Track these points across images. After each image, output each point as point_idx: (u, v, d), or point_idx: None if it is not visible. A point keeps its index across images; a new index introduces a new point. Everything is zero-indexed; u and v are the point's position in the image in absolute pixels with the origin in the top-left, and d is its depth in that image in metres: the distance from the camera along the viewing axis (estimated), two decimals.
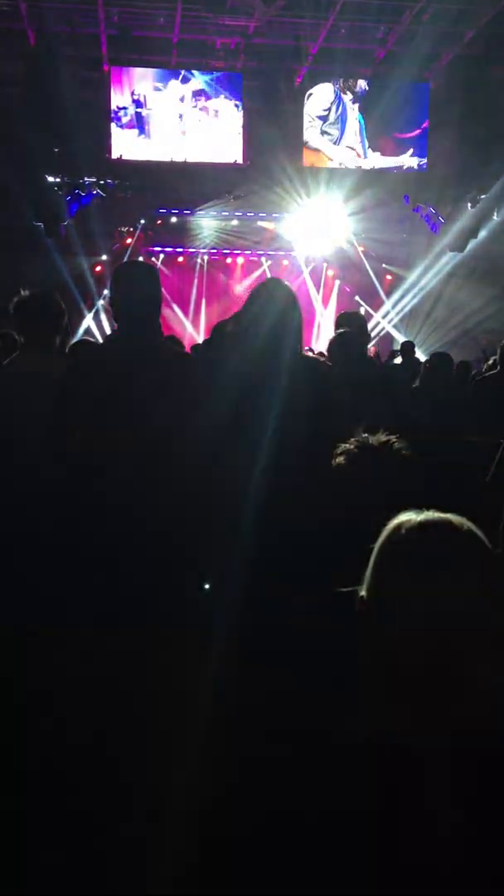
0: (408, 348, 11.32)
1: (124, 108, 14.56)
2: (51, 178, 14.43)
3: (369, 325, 17.61)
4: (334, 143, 15.30)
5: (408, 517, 1.30)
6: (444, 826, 1.15)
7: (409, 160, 15.51)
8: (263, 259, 18.61)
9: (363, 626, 1.28)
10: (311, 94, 15.03)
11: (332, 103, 15.15)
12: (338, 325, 4.73)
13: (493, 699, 1.21)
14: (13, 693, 2.43)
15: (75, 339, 8.95)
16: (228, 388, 2.89)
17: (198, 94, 14.76)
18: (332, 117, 15.20)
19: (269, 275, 18.15)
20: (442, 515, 1.30)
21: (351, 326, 4.66)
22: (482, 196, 15.16)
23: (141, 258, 16.92)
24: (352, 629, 1.32)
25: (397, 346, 10.11)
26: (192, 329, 18.11)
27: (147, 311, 3.20)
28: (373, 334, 17.53)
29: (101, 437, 2.98)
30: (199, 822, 1.50)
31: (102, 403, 3.01)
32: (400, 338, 16.30)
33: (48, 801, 2.18)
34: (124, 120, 14.59)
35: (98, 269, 15.75)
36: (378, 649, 1.26)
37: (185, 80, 14.71)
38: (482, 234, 15.16)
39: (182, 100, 14.72)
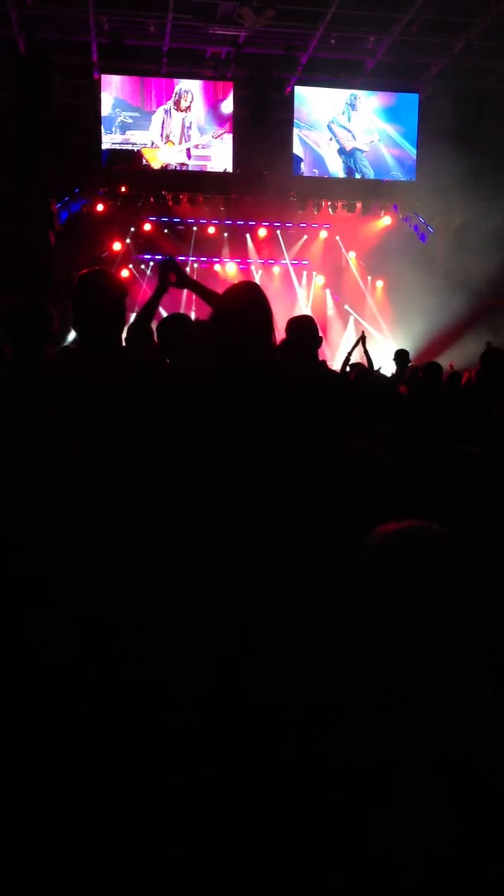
0: (402, 357, 11.34)
1: (115, 115, 14.58)
2: (41, 186, 14.41)
3: (357, 335, 17.67)
4: (324, 151, 15.40)
5: (390, 526, 1.31)
6: (422, 837, 1.16)
7: (398, 170, 15.60)
8: (253, 267, 18.64)
9: (348, 636, 1.29)
10: (305, 102, 15.13)
11: (327, 112, 15.29)
12: (289, 329, 4.72)
13: (472, 712, 1.23)
14: None
15: (63, 345, 8.96)
16: (197, 394, 2.94)
17: (188, 102, 14.79)
18: (324, 125, 15.32)
19: (258, 283, 18.17)
20: (424, 524, 1.31)
21: (302, 331, 4.65)
22: (471, 206, 15.23)
23: (131, 265, 16.93)
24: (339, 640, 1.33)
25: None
26: None
27: (108, 320, 3.22)
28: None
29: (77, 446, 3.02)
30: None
31: (76, 416, 3.05)
32: (387, 346, 16.34)
33: None
34: (114, 128, 14.62)
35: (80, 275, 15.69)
36: (362, 659, 1.27)
37: (176, 89, 14.74)
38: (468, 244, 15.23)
39: (172, 108, 14.75)
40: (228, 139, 14.92)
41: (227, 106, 14.82)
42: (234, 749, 1.78)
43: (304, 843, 1.22)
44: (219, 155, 15.03)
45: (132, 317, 4.24)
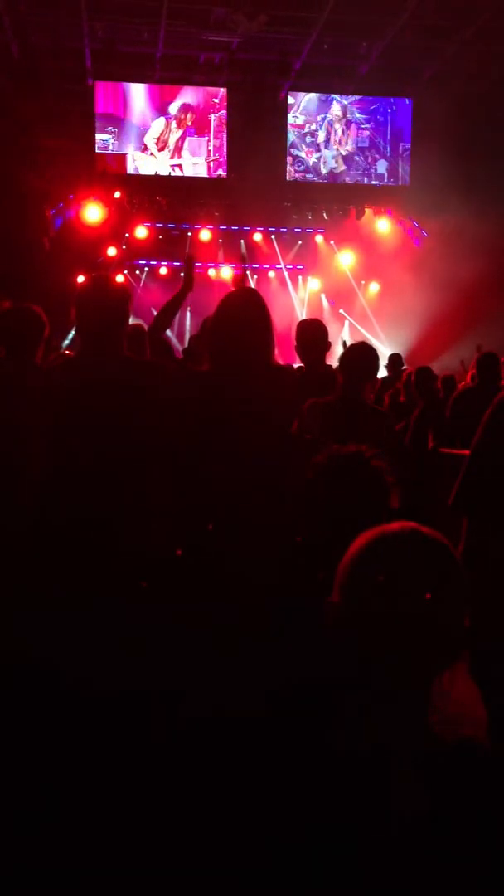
0: (395, 361, 11.37)
1: (109, 121, 14.61)
2: (35, 192, 14.43)
3: (353, 338, 17.71)
4: (318, 157, 15.46)
5: (378, 528, 1.33)
6: (411, 832, 1.18)
7: (392, 174, 15.65)
8: (248, 272, 18.67)
9: (333, 634, 1.31)
10: (299, 107, 15.20)
11: (321, 117, 15.34)
12: (300, 333, 4.75)
13: (458, 706, 1.24)
14: None
15: (60, 350, 8.96)
16: (197, 396, 2.97)
17: (183, 108, 14.84)
18: (319, 130, 15.38)
19: (253, 287, 18.20)
20: (412, 527, 1.33)
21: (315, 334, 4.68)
22: (464, 210, 15.27)
23: (125, 271, 16.95)
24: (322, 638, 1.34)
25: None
26: (176, 342, 18.13)
27: (109, 327, 3.24)
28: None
29: (77, 448, 3.05)
30: None
31: (76, 419, 3.08)
32: (383, 350, 16.37)
33: None
34: (109, 133, 14.65)
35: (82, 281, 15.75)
36: (346, 657, 1.29)
37: (170, 94, 14.79)
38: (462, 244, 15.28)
39: (167, 114, 14.79)
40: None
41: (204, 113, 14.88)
42: (233, 748, 1.80)
43: (301, 838, 1.23)
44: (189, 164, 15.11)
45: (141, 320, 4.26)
